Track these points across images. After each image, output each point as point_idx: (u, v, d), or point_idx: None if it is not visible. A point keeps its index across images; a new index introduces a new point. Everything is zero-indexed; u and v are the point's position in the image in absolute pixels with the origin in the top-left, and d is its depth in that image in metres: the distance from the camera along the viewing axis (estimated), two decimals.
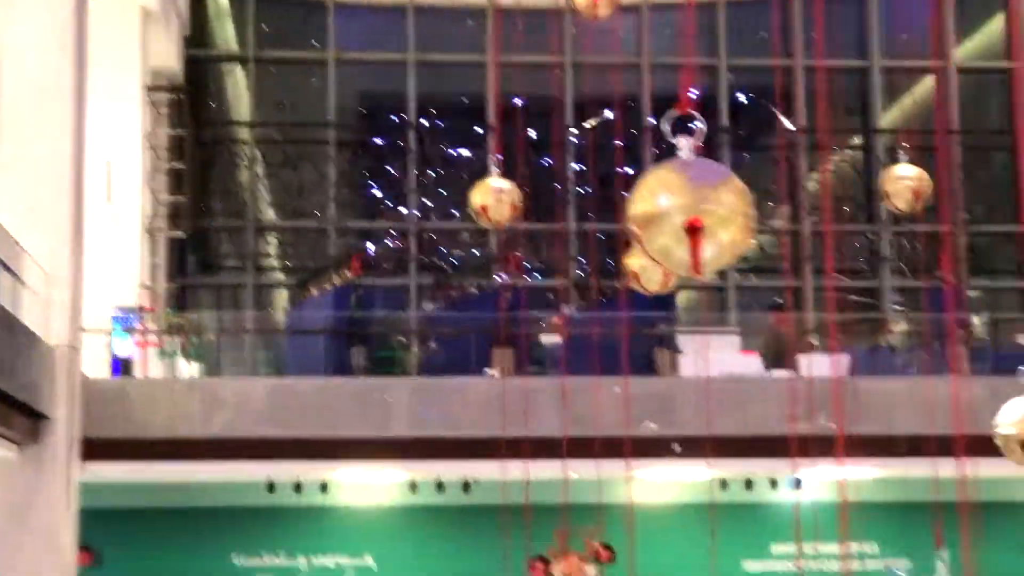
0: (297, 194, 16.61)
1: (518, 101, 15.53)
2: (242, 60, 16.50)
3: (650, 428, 11.03)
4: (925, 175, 9.16)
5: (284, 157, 16.77)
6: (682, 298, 16.95)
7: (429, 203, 16.31)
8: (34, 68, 9.09)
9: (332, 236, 15.87)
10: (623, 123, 15.48)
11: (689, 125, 3.55)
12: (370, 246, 16.26)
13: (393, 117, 16.66)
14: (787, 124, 16.67)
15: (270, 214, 16.65)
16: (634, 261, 7.85)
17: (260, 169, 16.42)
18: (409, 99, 16.51)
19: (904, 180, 9.10)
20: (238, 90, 16.67)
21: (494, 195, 8.82)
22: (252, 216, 15.93)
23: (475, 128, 16.20)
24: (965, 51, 17.43)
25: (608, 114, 15.07)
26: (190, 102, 15.36)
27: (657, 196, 3.41)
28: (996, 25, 17.48)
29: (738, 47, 17.03)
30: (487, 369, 11.58)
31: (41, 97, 9.11)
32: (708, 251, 3.40)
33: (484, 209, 8.85)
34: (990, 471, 7.68)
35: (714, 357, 11.71)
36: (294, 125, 16.78)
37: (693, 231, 3.39)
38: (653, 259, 3.55)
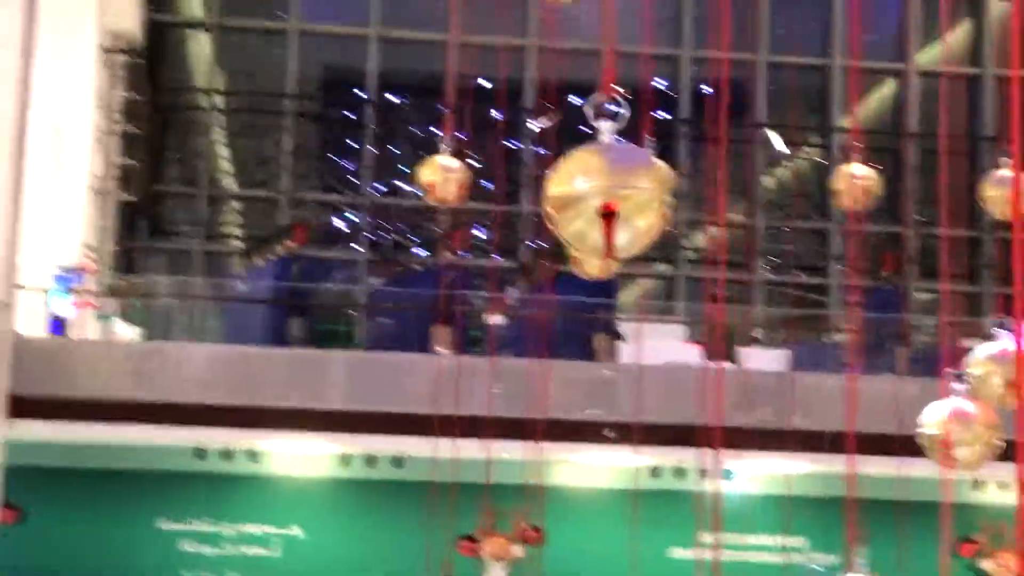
0: (254, 164, 16.57)
1: (485, 82, 15.52)
2: (204, 26, 16.39)
3: (593, 414, 11.06)
4: (875, 175, 9.19)
5: (243, 126, 16.72)
6: (636, 286, 17.03)
7: (386, 178, 16.28)
8: None
9: (284, 207, 15.84)
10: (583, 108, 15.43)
11: (612, 109, 3.54)
12: (322, 219, 16.23)
13: (354, 91, 16.62)
14: (778, 144, 16.76)
15: (226, 182, 16.58)
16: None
17: (218, 137, 16.35)
18: (370, 74, 16.47)
19: (854, 179, 9.14)
20: (199, 56, 16.57)
21: (442, 173, 8.80)
22: (205, 183, 15.85)
23: (436, 107, 16.18)
24: (929, 55, 17.52)
25: (546, 121, 15.08)
26: (148, 66, 15.25)
27: (574, 179, 3.40)
28: (962, 31, 17.57)
29: (704, 40, 17.06)
30: (438, 348, 11.56)
31: None
32: (622, 236, 3.40)
33: (431, 186, 8.83)
34: (921, 471, 7.73)
35: (656, 346, 11.75)
36: (254, 94, 16.71)
37: (607, 215, 3.38)
38: (567, 243, 3.54)
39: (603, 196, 3.41)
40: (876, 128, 17.48)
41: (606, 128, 3.50)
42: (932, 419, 5.95)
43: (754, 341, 13.81)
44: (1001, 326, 6.25)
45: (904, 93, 17.33)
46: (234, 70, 16.85)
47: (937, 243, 16.82)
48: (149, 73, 15.18)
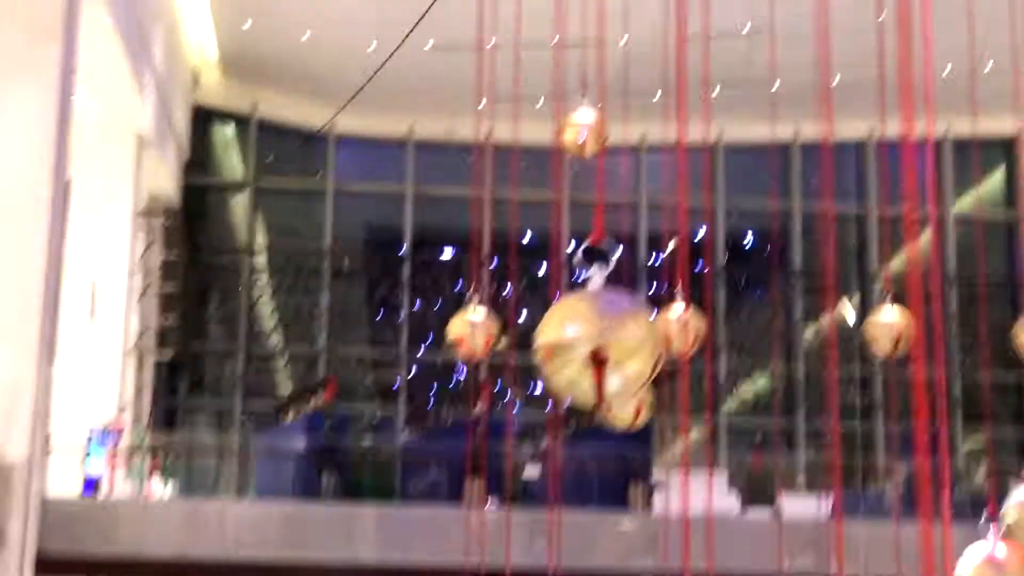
0: (294, 320, 16.70)
1: (526, 236, 15.64)
2: (243, 188, 16.67)
3: (626, 527, 10.87)
4: (907, 320, 9.12)
5: (283, 283, 16.89)
6: (685, 437, 16.87)
7: (423, 332, 16.36)
8: (11, 181, 9.14)
9: (323, 362, 15.93)
10: (620, 261, 15.63)
11: (602, 256, 3.55)
12: (359, 373, 16.28)
13: (392, 248, 16.79)
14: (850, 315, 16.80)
15: (267, 339, 16.70)
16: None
17: (257, 294, 16.52)
18: (406, 231, 16.67)
19: (885, 324, 9.07)
20: (238, 216, 16.83)
21: (470, 327, 8.80)
22: (244, 341, 15.99)
23: (470, 260, 16.30)
24: (964, 203, 17.54)
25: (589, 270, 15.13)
26: (188, 226, 15.50)
27: (564, 326, 3.39)
28: (996, 178, 17.63)
29: (740, 190, 17.18)
30: (472, 501, 11.43)
31: (16, 210, 9.14)
32: (613, 384, 3.37)
33: (460, 341, 8.82)
34: None
35: (695, 494, 11.60)
36: (293, 252, 16.90)
37: (598, 363, 3.36)
38: (558, 391, 3.52)
39: (592, 344, 3.39)
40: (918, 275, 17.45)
41: (595, 275, 3.50)
42: (965, 567, 5.81)
43: (796, 488, 13.66)
44: None
45: (942, 239, 17.34)
46: (273, 229, 17.10)
47: (981, 387, 16.66)
48: (188, 232, 15.42)
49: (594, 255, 3.58)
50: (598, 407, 3.41)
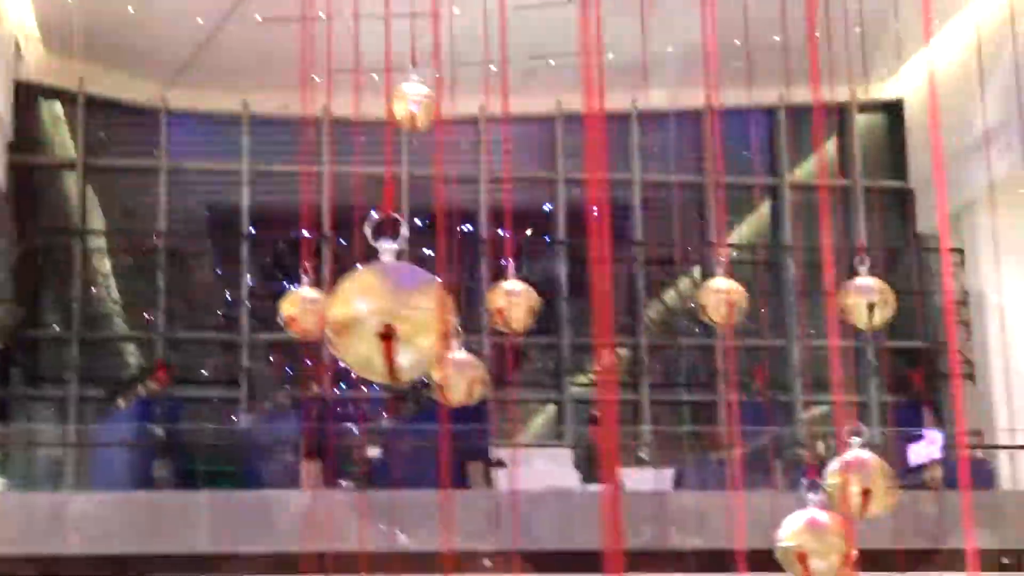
0: (133, 304, 16.33)
1: (367, 212, 15.44)
2: (73, 167, 16.21)
3: (401, 540, 10.81)
4: (740, 288, 9.15)
5: (120, 266, 16.50)
6: (540, 414, 16.95)
7: (260, 312, 16.11)
8: None
9: (161, 346, 15.59)
10: (461, 236, 15.66)
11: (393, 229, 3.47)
12: (196, 356, 15.99)
13: (232, 227, 16.51)
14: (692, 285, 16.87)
15: (107, 324, 16.29)
16: (436, 372, 7.66)
17: (95, 278, 16.10)
18: (243, 209, 16.39)
19: (719, 292, 9.09)
20: (71, 197, 16.37)
21: (302, 305, 8.65)
22: (79, 327, 15.58)
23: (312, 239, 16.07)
24: (801, 172, 17.79)
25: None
26: (17, 208, 15.02)
27: (354, 301, 3.32)
28: (830, 147, 17.90)
29: (579, 161, 17.22)
30: (306, 483, 11.25)
31: None
32: (404, 358, 3.32)
33: (293, 319, 8.67)
34: None
35: (537, 471, 11.64)
36: (130, 234, 16.51)
37: (387, 337, 3.30)
38: (351, 367, 3.45)
39: (382, 318, 3.33)
40: (754, 243, 17.69)
41: (385, 248, 3.43)
42: (786, 531, 5.87)
43: (639, 461, 13.75)
44: (856, 434, 6.22)
45: (779, 208, 17.59)
46: (109, 209, 16.68)
47: (822, 354, 16.94)
48: (16, 215, 14.94)
49: (383, 229, 3.50)
50: (391, 381, 3.35)
